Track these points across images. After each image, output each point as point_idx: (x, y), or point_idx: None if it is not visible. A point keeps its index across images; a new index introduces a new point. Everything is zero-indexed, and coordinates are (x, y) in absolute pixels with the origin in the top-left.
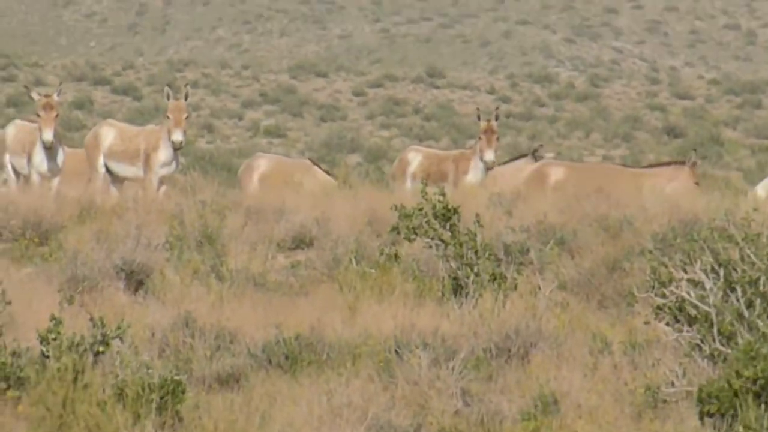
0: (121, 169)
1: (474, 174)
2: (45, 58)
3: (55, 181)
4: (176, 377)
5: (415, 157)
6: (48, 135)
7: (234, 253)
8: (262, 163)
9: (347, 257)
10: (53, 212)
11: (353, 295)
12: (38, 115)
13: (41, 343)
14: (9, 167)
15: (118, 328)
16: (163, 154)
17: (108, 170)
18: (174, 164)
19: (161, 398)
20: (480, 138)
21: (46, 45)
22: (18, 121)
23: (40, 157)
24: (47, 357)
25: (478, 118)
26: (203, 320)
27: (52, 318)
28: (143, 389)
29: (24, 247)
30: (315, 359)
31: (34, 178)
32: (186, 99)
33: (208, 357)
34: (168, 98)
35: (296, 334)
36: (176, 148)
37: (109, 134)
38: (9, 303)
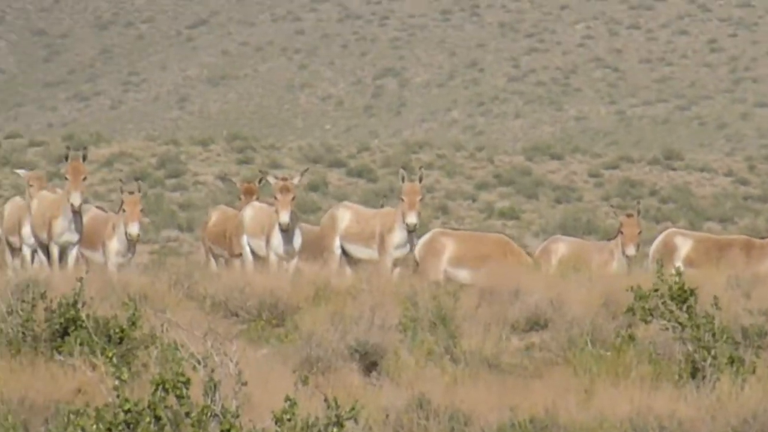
0: (357, 250)
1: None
2: (281, 141)
3: (293, 263)
4: None
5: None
6: (285, 217)
7: (468, 335)
8: (561, 247)
9: (582, 339)
10: (289, 293)
11: (588, 377)
12: (275, 198)
13: (276, 423)
14: (247, 248)
15: (352, 409)
16: (398, 236)
17: (344, 252)
18: (408, 246)
19: None
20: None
21: (283, 127)
22: (256, 204)
23: (277, 240)
24: None
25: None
26: (437, 402)
27: (287, 399)
28: None
29: (260, 328)
30: None
31: (272, 259)
32: (420, 181)
33: None
34: (402, 180)
35: (531, 416)
36: (410, 231)
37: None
38: (245, 384)
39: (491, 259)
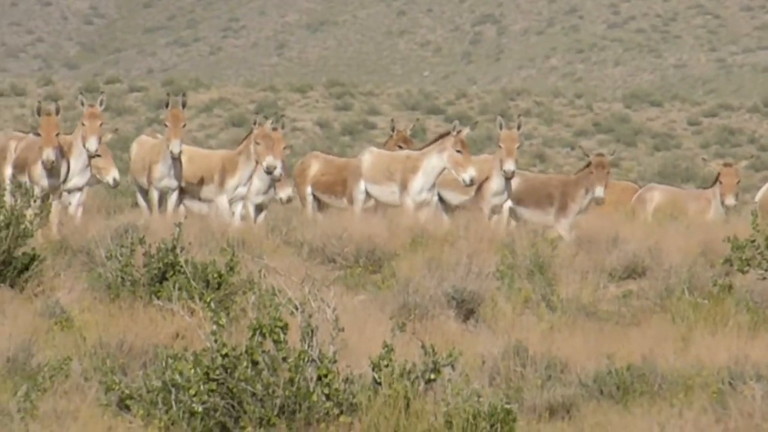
0: (454, 197)
1: None
2: (380, 87)
3: (425, 211)
4: (507, 406)
5: None
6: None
7: (565, 282)
8: (656, 195)
9: (680, 287)
10: (386, 240)
11: (686, 325)
12: (400, 147)
13: (373, 370)
14: (361, 196)
15: (450, 355)
16: (496, 183)
17: (440, 198)
18: (505, 193)
19: (491, 426)
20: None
21: (381, 74)
22: (373, 149)
23: (419, 185)
24: (379, 384)
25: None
26: (534, 349)
27: (385, 345)
28: (474, 417)
29: (357, 274)
30: (647, 390)
31: (409, 205)
32: (518, 128)
33: (539, 386)
34: (500, 127)
35: (628, 364)
36: (508, 178)
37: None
38: (342, 330)
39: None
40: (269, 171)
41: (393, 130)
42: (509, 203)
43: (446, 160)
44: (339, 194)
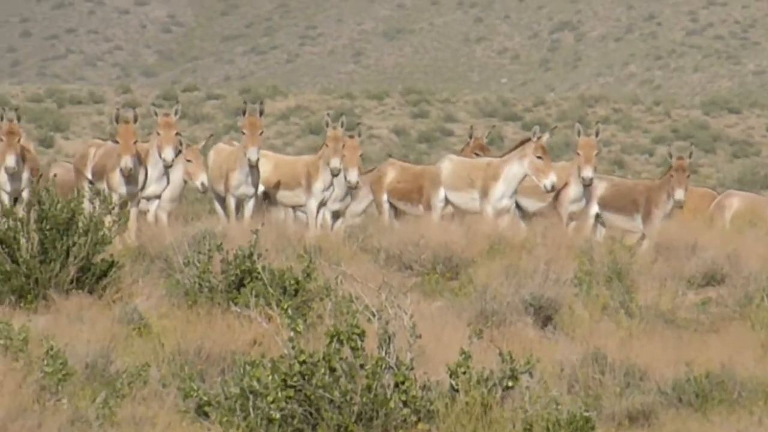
0: (531, 204)
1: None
2: (456, 95)
3: (506, 218)
4: (585, 413)
5: None
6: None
7: (643, 289)
8: (734, 201)
9: (759, 295)
10: (463, 247)
11: (765, 333)
12: (476, 154)
13: (451, 377)
14: (440, 203)
15: (527, 362)
16: (573, 190)
17: (518, 205)
18: (583, 200)
19: None
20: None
21: (458, 81)
22: (453, 156)
23: (499, 193)
24: (456, 391)
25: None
26: (613, 356)
27: (462, 352)
28: (552, 425)
29: (434, 281)
30: (726, 398)
31: (489, 212)
32: (596, 135)
33: (618, 394)
34: (578, 134)
35: (707, 372)
36: (586, 185)
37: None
38: (419, 336)
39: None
40: (334, 174)
41: (471, 137)
42: (596, 208)
43: (527, 167)
44: (415, 201)
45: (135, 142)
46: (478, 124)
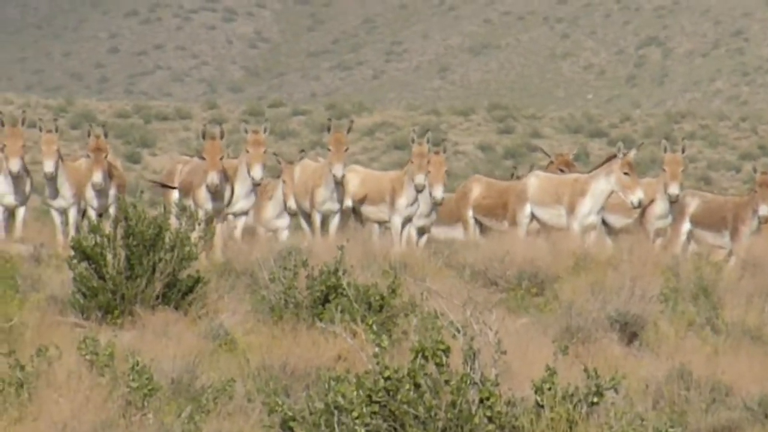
0: (617, 220)
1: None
2: (542, 110)
3: (592, 235)
4: (671, 429)
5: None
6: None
7: (730, 306)
8: None
9: None
10: (549, 263)
11: None
12: (561, 171)
13: (536, 393)
14: (526, 219)
15: (613, 379)
16: (660, 206)
17: (603, 222)
18: (669, 216)
19: None
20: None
21: (544, 97)
22: (539, 172)
23: (586, 209)
24: (542, 407)
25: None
26: (698, 373)
27: (547, 368)
28: None
29: (520, 297)
30: None
31: (575, 227)
32: (683, 152)
33: (704, 410)
34: (665, 151)
35: None
36: (672, 201)
37: None
38: (504, 352)
39: None
40: (418, 189)
41: (546, 154)
42: (688, 225)
43: (614, 183)
44: (500, 217)
45: (221, 158)
46: (563, 140)
